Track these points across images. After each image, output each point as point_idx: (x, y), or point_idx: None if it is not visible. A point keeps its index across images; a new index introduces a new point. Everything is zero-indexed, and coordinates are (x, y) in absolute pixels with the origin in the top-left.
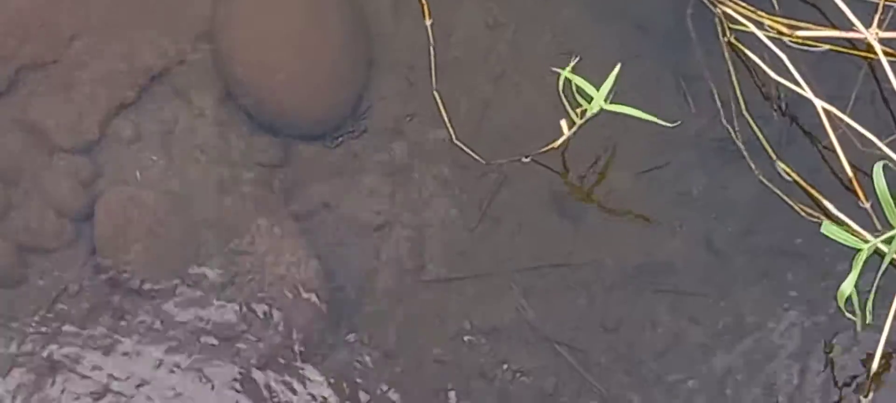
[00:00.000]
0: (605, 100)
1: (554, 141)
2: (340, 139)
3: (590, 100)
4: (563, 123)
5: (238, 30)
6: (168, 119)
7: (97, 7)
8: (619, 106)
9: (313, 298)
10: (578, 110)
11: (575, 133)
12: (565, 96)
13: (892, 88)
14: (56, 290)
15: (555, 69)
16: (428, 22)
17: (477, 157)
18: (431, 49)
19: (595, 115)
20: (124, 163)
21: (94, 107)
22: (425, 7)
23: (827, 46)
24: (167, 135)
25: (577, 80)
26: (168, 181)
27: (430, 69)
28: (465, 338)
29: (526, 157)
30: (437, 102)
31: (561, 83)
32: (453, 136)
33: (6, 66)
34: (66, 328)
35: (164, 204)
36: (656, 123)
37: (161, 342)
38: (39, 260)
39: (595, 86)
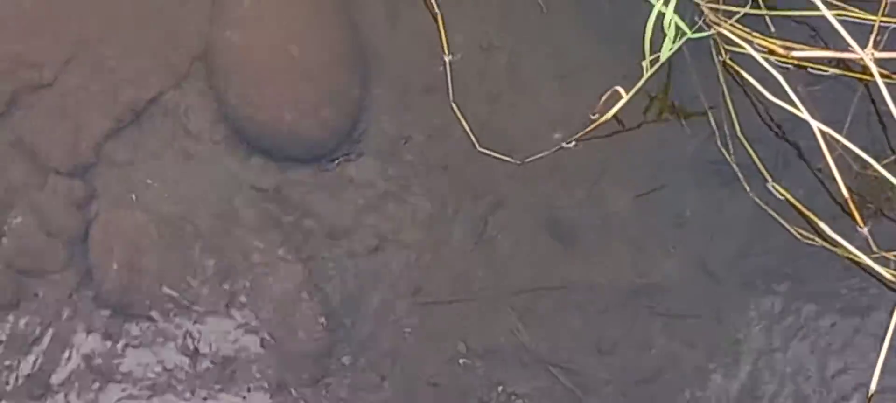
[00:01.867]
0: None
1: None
2: (336, 162)
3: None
4: (620, 89)
5: (233, 53)
6: (163, 142)
7: (93, 30)
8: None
9: (308, 321)
10: (650, 58)
11: (638, 89)
12: (650, 38)
13: (888, 109)
14: (51, 312)
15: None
16: (447, 57)
17: (505, 158)
18: (448, 75)
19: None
20: (119, 186)
21: (89, 130)
22: (444, 40)
23: (823, 67)
24: (162, 158)
25: (672, 15)
26: (163, 204)
27: (448, 85)
28: (461, 361)
29: (567, 142)
30: (455, 114)
31: (651, 19)
32: (476, 144)
33: (1, 89)
34: (61, 350)
35: (159, 227)
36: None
37: (156, 365)
38: (34, 282)
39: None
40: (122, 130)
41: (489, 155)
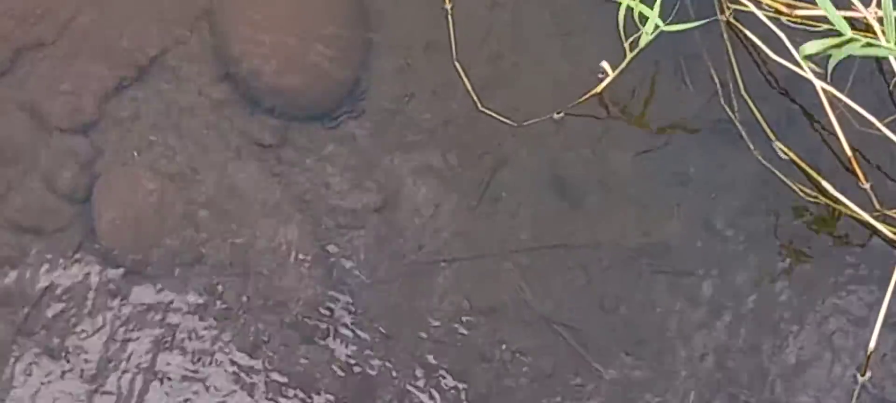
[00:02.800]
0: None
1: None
2: (339, 119)
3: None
4: (605, 64)
5: (236, 10)
6: (166, 99)
7: None
8: (674, 25)
9: (312, 279)
10: (629, 41)
11: (622, 70)
12: (623, 28)
13: (892, 68)
14: (54, 271)
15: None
16: (448, 5)
17: (506, 120)
18: (451, 24)
19: (649, 43)
20: (123, 144)
21: (92, 88)
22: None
23: (826, 26)
24: (165, 116)
25: (637, 5)
26: (166, 161)
27: (451, 44)
28: (464, 318)
29: (558, 113)
30: (457, 72)
31: (621, 11)
32: (478, 104)
33: (4, 47)
34: (65, 309)
35: (163, 185)
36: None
37: (160, 323)
38: (37, 240)
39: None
40: (125, 88)
41: (490, 115)
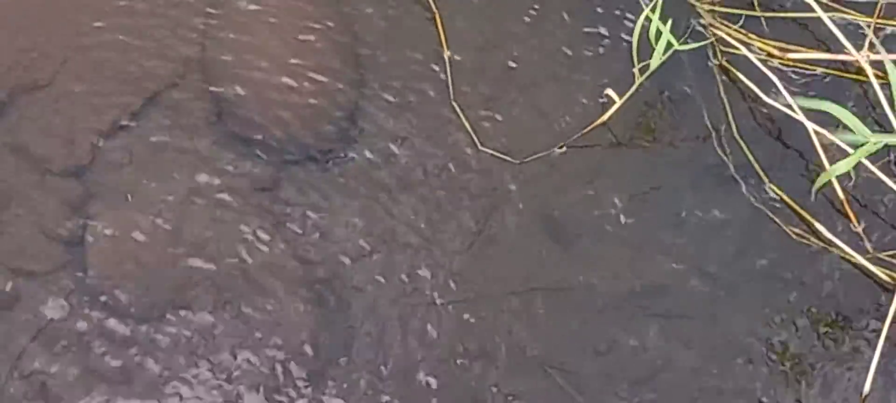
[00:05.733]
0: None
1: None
2: (332, 161)
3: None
4: (610, 92)
5: (229, 53)
6: (159, 142)
7: (89, 31)
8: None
9: (305, 321)
10: (640, 66)
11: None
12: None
13: (883, 111)
14: (47, 314)
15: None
16: (446, 54)
17: (506, 157)
18: (447, 63)
19: (660, 65)
20: (115, 187)
21: (85, 130)
22: (443, 39)
23: (821, 70)
24: (158, 158)
25: (657, 22)
26: (159, 204)
27: (448, 86)
28: (458, 361)
29: (559, 147)
30: (456, 113)
31: (638, 26)
32: (478, 143)
33: None
34: (57, 352)
35: (155, 227)
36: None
37: (151, 367)
38: (30, 283)
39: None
40: (118, 131)
41: (490, 154)
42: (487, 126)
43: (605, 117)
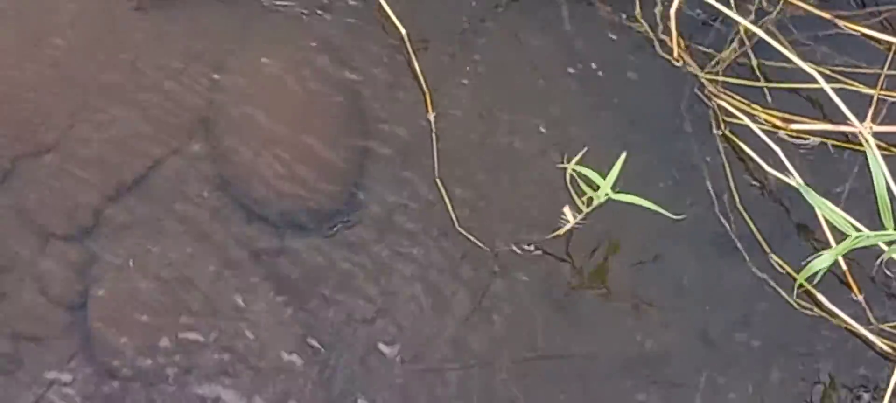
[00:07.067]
0: (612, 190)
1: (556, 229)
2: (335, 229)
3: (595, 189)
4: (567, 210)
5: (233, 118)
6: (163, 207)
7: (94, 96)
8: (625, 195)
9: (308, 386)
10: (584, 198)
11: (580, 221)
12: (571, 186)
13: (887, 182)
14: (49, 378)
15: (556, 162)
16: (431, 116)
17: (480, 244)
18: (433, 139)
19: (601, 205)
20: (118, 251)
21: (88, 195)
22: (429, 99)
23: (821, 140)
24: (162, 223)
25: (585, 171)
26: (162, 269)
27: (433, 159)
28: None
29: (528, 245)
30: (439, 190)
31: (568, 174)
32: (456, 223)
33: (2, 154)
34: None
35: (159, 293)
36: (652, 214)
37: None
38: (33, 347)
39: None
40: (122, 195)
41: (466, 236)
42: (475, 202)
43: (560, 232)
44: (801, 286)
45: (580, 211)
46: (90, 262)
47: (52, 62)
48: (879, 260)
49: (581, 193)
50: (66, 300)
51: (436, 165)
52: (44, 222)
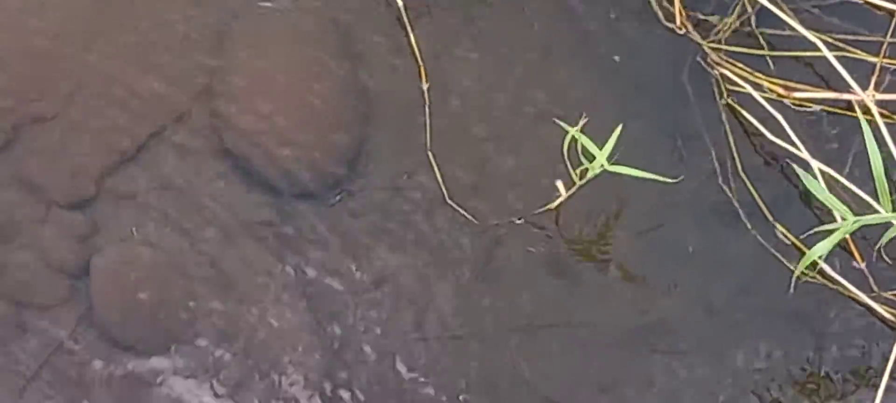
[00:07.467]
0: (608, 161)
1: (550, 201)
2: (338, 197)
3: (591, 159)
4: (559, 184)
5: (235, 87)
6: (165, 175)
7: (96, 64)
8: (621, 166)
9: (310, 356)
10: (579, 170)
11: (572, 194)
12: (569, 158)
13: (889, 150)
14: (51, 347)
15: (557, 124)
16: (425, 85)
17: (470, 217)
18: (427, 111)
19: (595, 176)
20: (121, 220)
21: (91, 164)
22: (423, 71)
23: (824, 108)
24: (164, 192)
25: (583, 139)
26: (165, 238)
27: (426, 131)
28: (461, 398)
29: (519, 219)
30: (431, 162)
31: (566, 142)
32: (446, 196)
33: (4, 123)
34: (62, 385)
35: (161, 261)
36: (654, 183)
37: (156, 400)
38: (35, 316)
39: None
40: (124, 164)
41: (457, 209)
42: (468, 177)
43: (553, 206)
44: (804, 256)
45: (574, 184)
46: (92, 231)
47: (53, 31)
48: (884, 238)
49: (580, 165)
50: (68, 268)
51: (428, 138)
52: (46, 191)
